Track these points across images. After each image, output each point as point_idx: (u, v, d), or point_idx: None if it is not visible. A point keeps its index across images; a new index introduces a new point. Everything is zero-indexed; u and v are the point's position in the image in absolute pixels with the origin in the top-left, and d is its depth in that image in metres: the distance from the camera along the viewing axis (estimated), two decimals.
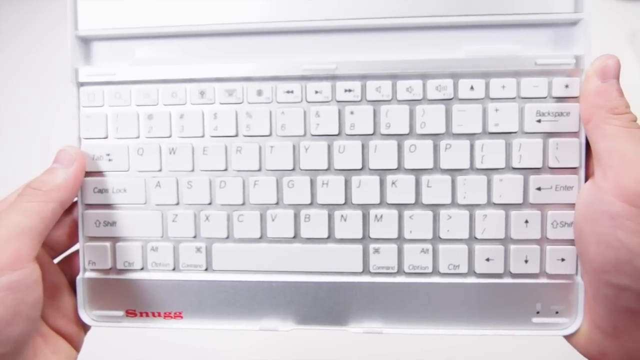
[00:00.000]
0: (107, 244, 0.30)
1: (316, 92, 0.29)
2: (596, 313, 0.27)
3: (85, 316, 0.30)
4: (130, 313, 0.31)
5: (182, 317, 0.30)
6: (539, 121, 0.28)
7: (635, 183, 0.24)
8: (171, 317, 0.31)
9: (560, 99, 0.28)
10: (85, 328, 0.31)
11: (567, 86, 0.28)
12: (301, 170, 0.29)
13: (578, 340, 0.28)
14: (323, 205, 0.29)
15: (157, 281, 0.30)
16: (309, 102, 0.29)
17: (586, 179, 0.28)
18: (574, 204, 0.28)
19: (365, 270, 0.29)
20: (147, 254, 0.30)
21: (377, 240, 0.29)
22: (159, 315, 0.31)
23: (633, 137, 0.25)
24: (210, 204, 0.30)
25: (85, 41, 0.31)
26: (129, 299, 0.31)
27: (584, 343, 0.28)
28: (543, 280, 0.28)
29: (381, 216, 0.29)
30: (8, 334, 0.23)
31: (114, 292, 0.31)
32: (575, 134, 0.28)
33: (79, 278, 0.31)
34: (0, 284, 0.23)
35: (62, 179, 0.28)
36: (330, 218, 0.29)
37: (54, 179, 0.28)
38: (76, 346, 0.30)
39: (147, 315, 0.31)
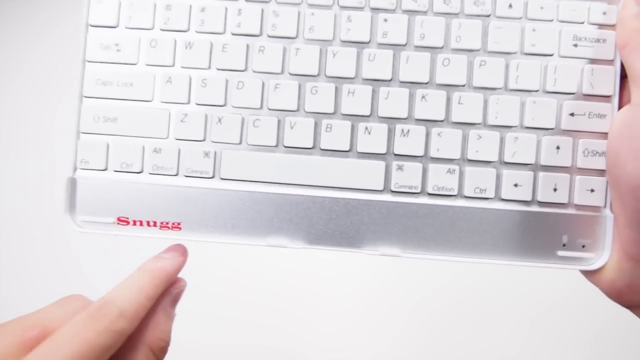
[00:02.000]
0: (105, 141, 0.28)
1: None
2: (629, 240, 0.25)
3: (70, 222, 0.27)
4: (123, 220, 0.28)
5: (180, 228, 0.28)
6: (575, 45, 0.27)
7: None
8: (168, 227, 0.28)
9: (598, 26, 0.27)
10: None
11: (604, 13, 0.27)
12: (327, 77, 0.27)
13: (603, 277, 0.27)
14: (347, 116, 0.27)
15: (156, 186, 0.28)
16: (341, 6, 0.28)
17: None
18: (606, 134, 0.27)
19: (387, 189, 0.27)
20: (148, 156, 0.28)
21: (401, 157, 0.27)
22: (154, 224, 0.28)
23: None
24: (224, 105, 0.28)
25: None
26: (123, 204, 0.28)
27: (610, 279, 0.26)
28: (571, 211, 0.27)
29: (408, 131, 0.27)
30: None
31: (106, 197, 0.28)
32: (610, 62, 0.27)
33: (67, 178, 0.27)
34: None
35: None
36: (354, 130, 0.27)
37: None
38: None
39: (141, 224, 0.28)
